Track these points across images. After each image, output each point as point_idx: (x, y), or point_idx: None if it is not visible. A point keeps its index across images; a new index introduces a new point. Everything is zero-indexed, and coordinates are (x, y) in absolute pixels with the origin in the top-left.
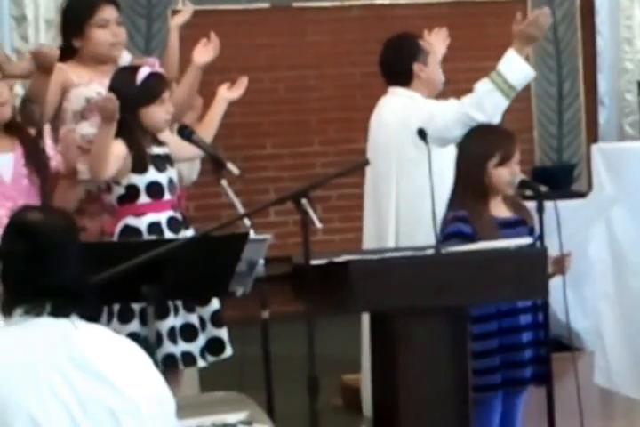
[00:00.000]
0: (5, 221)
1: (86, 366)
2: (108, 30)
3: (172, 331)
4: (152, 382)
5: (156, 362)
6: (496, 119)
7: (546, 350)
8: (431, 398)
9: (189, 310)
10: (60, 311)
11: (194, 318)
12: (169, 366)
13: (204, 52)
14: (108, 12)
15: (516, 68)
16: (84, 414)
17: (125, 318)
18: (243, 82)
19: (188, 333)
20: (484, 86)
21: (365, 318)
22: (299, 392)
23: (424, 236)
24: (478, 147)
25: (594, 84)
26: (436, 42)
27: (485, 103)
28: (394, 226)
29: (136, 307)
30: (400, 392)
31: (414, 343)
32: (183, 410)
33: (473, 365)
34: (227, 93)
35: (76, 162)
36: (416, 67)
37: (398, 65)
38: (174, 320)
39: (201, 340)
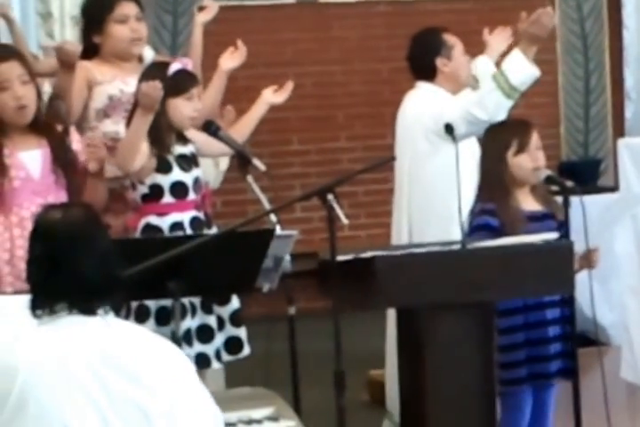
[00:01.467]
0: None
1: (118, 364)
2: (127, 26)
3: (187, 332)
4: (185, 380)
5: None
6: (498, 118)
7: (572, 344)
8: (458, 392)
9: (207, 311)
10: (87, 308)
11: (211, 320)
12: None
13: (231, 58)
14: (128, 8)
15: (518, 68)
16: (115, 413)
17: (141, 317)
18: (288, 86)
19: (205, 334)
20: (486, 84)
21: (390, 314)
22: (325, 388)
23: (435, 231)
24: (494, 140)
25: (620, 78)
26: (497, 41)
27: (487, 102)
28: (407, 221)
29: (152, 306)
30: (427, 387)
31: (441, 338)
32: None
33: (498, 358)
34: (271, 97)
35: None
36: (439, 61)
37: (422, 60)
38: (191, 321)
39: (217, 341)
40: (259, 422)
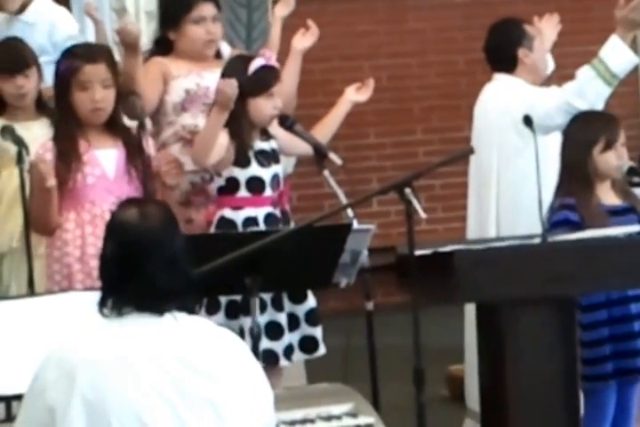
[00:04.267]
0: (107, 215)
1: (186, 359)
2: (202, 27)
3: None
4: (251, 374)
5: (256, 354)
6: (598, 107)
7: None
8: (539, 388)
9: (278, 308)
10: (156, 310)
11: (281, 317)
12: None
13: (304, 39)
14: (206, 9)
15: (618, 54)
16: (188, 409)
17: (212, 309)
18: (370, 83)
19: (273, 331)
20: (585, 73)
21: (469, 309)
22: (404, 383)
23: (525, 225)
24: (582, 133)
25: None
26: (547, 28)
27: (587, 91)
28: (494, 215)
29: (222, 300)
30: (507, 382)
31: (522, 333)
32: (288, 402)
33: (583, 354)
34: (354, 95)
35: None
36: (521, 52)
37: (503, 50)
38: (259, 317)
39: (286, 339)
40: (338, 418)
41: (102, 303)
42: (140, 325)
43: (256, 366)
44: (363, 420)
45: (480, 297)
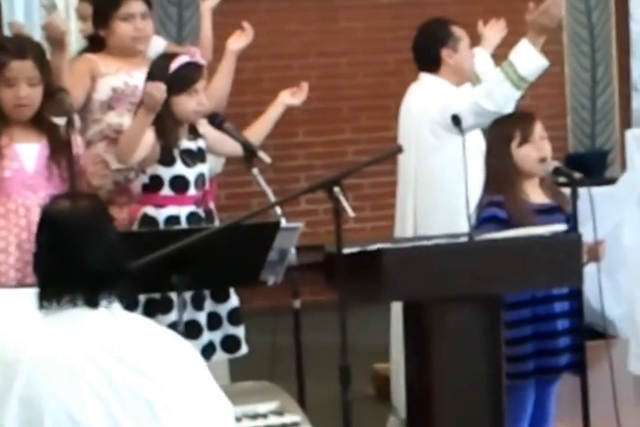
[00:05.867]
0: (21, 210)
1: (124, 357)
2: (131, 24)
3: (173, 327)
4: (194, 372)
5: None
6: (507, 109)
7: (581, 338)
8: (465, 386)
9: (198, 307)
10: (92, 300)
11: (201, 317)
12: None
13: (238, 40)
14: (135, 6)
15: (527, 58)
16: (121, 406)
17: (130, 307)
18: (304, 87)
19: (192, 330)
20: (494, 76)
21: (395, 307)
22: (330, 382)
23: (441, 224)
24: (498, 132)
25: (627, 69)
26: (491, 33)
27: (495, 93)
28: (412, 214)
29: (141, 297)
30: (433, 381)
31: (448, 332)
32: None
33: (505, 352)
34: (288, 99)
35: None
36: (445, 53)
37: (427, 50)
38: (177, 316)
39: (205, 338)
40: (264, 416)
41: (41, 296)
42: (77, 321)
43: (201, 367)
44: (289, 418)
45: (407, 296)
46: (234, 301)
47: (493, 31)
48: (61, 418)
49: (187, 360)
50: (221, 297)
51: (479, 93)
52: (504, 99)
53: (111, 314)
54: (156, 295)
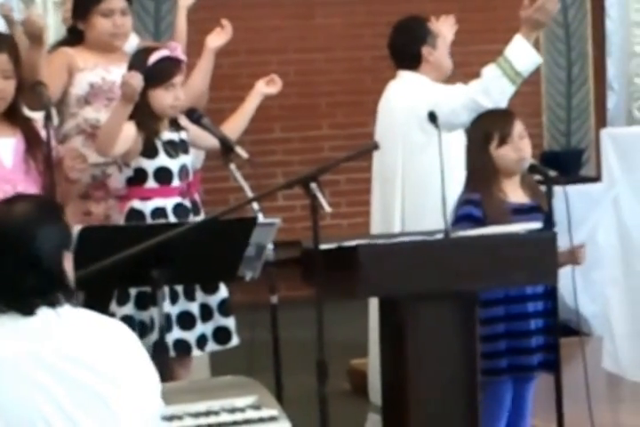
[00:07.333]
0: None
1: (72, 354)
2: (110, 20)
3: (166, 318)
4: (139, 364)
5: (162, 346)
6: (502, 104)
7: (555, 337)
8: (440, 382)
9: (190, 298)
10: (24, 308)
11: (193, 307)
12: (159, 353)
13: (217, 37)
14: (115, 2)
15: (522, 54)
16: (75, 404)
17: (122, 300)
18: (277, 78)
19: (186, 321)
20: (490, 72)
21: (373, 303)
22: (307, 377)
23: (430, 221)
24: (476, 132)
25: (603, 68)
26: (444, 29)
27: (492, 89)
28: (400, 211)
29: (132, 290)
30: (409, 377)
31: (423, 328)
32: (192, 394)
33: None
34: (264, 88)
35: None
36: (425, 50)
37: (407, 48)
38: (170, 308)
39: (199, 329)
40: (241, 410)
41: None
42: (19, 323)
43: (143, 356)
44: (266, 412)
45: (383, 292)
46: (223, 292)
47: (446, 26)
48: (16, 420)
49: (131, 351)
50: (211, 288)
51: (475, 90)
52: (500, 95)
53: (55, 313)
54: (148, 289)
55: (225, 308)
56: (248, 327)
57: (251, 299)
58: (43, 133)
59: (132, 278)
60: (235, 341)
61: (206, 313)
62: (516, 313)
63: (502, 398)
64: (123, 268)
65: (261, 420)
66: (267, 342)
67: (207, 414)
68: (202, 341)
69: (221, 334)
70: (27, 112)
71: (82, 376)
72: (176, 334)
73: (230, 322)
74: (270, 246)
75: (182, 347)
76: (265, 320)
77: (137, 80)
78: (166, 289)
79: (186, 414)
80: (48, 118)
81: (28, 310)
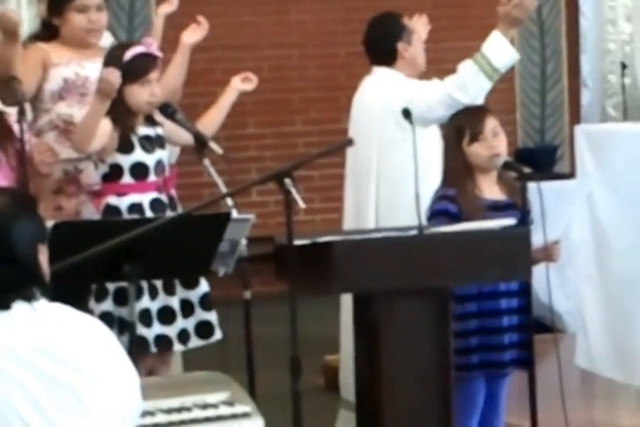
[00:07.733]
0: None
1: (47, 349)
2: (85, 16)
3: (145, 313)
4: (115, 360)
5: (140, 341)
6: (479, 100)
7: (529, 334)
8: (413, 378)
9: (169, 292)
10: (7, 300)
11: (173, 302)
12: (139, 349)
13: (193, 33)
14: None
15: (500, 50)
16: (51, 400)
17: (100, 296)
18: (252, 75)
19: (166, 316)
20: (467, 68)
21: (345, 299)
22: (280, 372)
23: (405, 217)
24: (449, 128)
25: (577, 65)
26: (417, 27)
27: (468, 84)
28: (374, 207)
29: (110, 286)
30: (382, 373)
31: (397, 324)
32: (165, 389)
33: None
34: (240, 85)
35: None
36: (400, 46)
37: (382, 44)
38: (150, 303)
39: (180, 324)
40: (214, 406)
41: None
42: None
43: (120, 352)
44: (239, 408)
45: (356, 288)
46: (204, 286)
47: (419, 25)
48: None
49: (107, 347)
50: (191, 283)
51: (451, 85)
52: (477, 90)
53: (31, 308)
54: (126, 284)
55: (206, 302)
56: (221, 323)
57: (224, 294)
58: (16, 128)
59: (106, 274)
60: (218, 335)
61: (187, 308)
62: (488, 310)
63: (475, 395)
64: (95, 263)
65: (234, 416)
66: (240, 337)
67: (180, 410)
68: (184, 336)
69: (204, 329)
70: (5, 107)
71: (57, 372)
72: (157, 329)
73: (212, 316)
74: (244, 242)
75: (163, 342)
76: (238, 316)
77: (115, 77)
78: (145, 284)
79: (158, 411)
80: (21, 113)
81: (3, 304)
